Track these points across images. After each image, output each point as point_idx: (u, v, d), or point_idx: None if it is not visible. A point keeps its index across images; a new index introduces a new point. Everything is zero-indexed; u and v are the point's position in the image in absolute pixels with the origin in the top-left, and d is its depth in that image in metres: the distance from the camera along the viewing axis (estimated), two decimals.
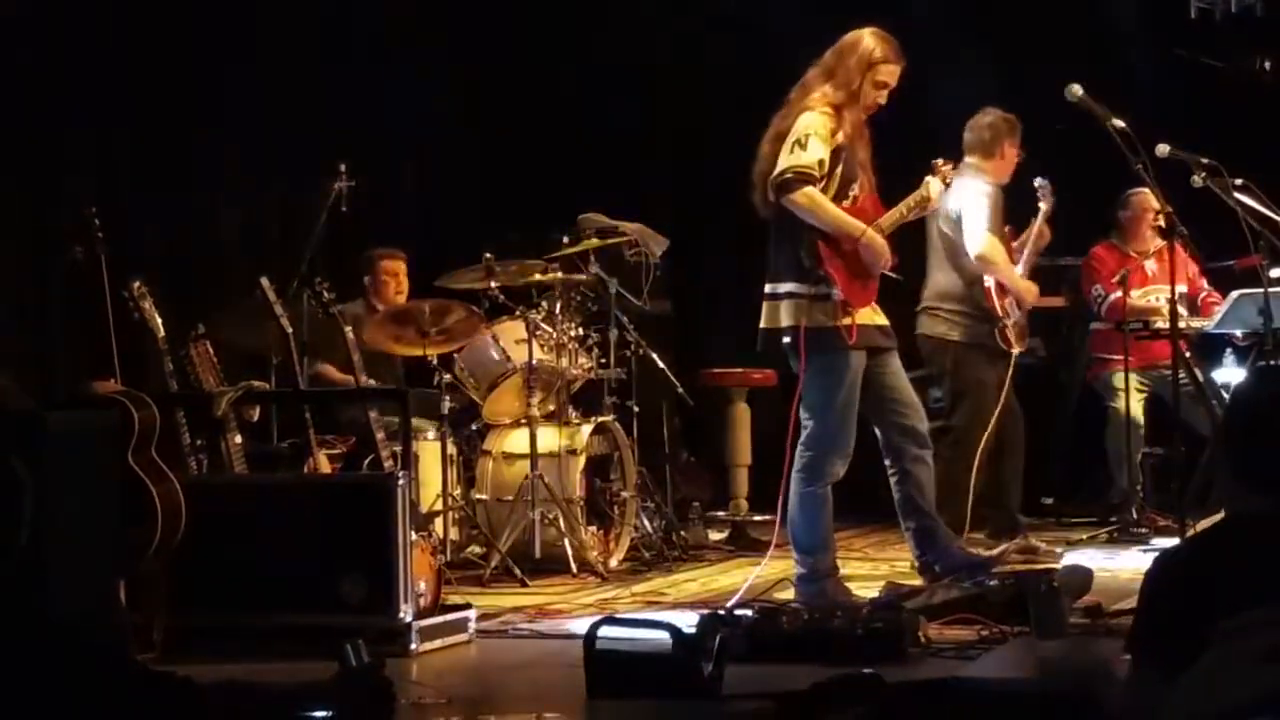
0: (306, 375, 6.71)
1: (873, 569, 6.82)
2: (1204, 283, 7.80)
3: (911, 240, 6.40)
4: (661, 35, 9.75)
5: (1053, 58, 7.98)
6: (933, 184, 5.95)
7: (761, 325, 5.83)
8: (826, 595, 5.63)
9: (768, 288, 5.82)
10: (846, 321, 5.66)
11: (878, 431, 5.96)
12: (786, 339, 5.72)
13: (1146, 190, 7.03)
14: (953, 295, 6.80)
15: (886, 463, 5.96)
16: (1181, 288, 7.58)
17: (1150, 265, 7.80)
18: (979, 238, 6.74)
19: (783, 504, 5.84)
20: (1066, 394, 8.69)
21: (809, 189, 5.62)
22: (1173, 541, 6.44)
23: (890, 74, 5.80)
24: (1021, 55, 8.65)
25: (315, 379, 6.99)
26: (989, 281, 6.80)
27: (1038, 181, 7.12)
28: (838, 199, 5.71)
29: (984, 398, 6.74)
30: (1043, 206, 7.11)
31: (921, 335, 6.92)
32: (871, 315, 5.81)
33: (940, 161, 5.98)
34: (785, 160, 5.63)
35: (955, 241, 6.83)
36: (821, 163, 5.64)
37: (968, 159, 6.91)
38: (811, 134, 5.63)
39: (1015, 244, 7.08)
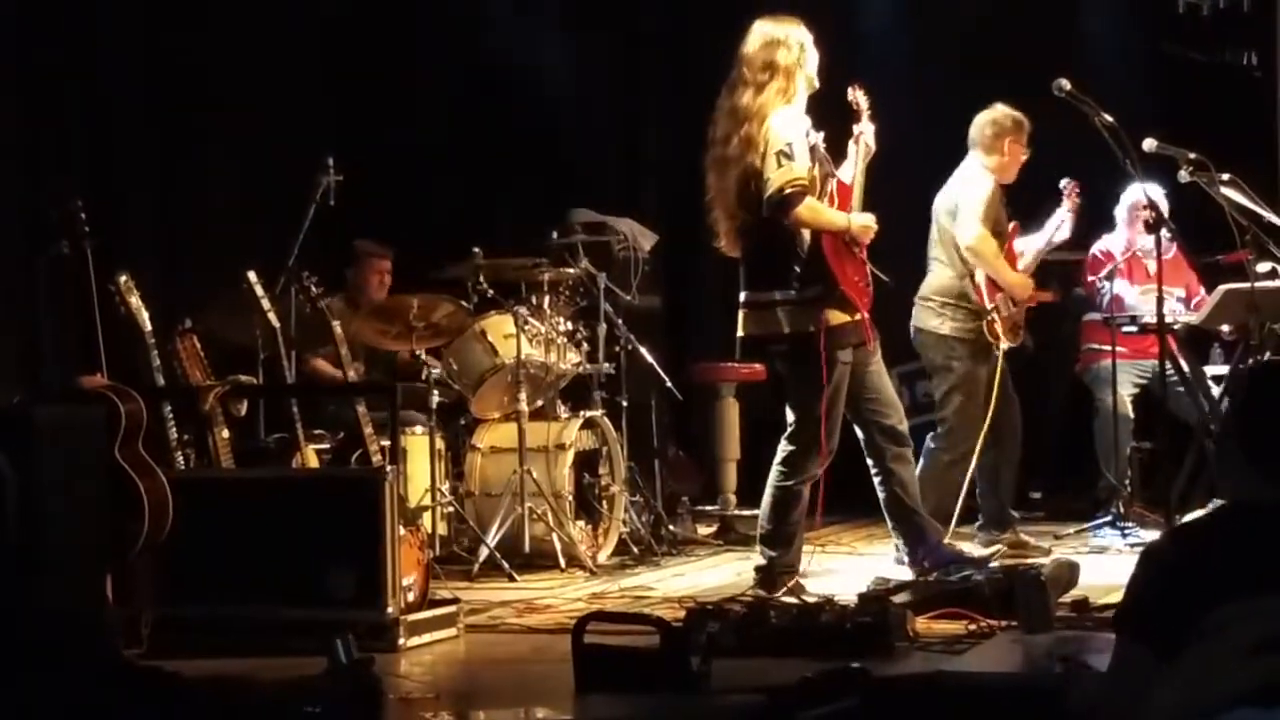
0: (296, 370, 6.69)
1: (860, 563, 6.82)
2: (1201, 289, 7.78)
3: (897, 238, 6.39)
4: (656, 32, 9.74)
5: (1041, 53, 7.97)
6: (864, 131, 5.87)
7: (744, 333, 5.81)
8: (780, 590, 5.66)
9: (750, 295, 5.78)
10: (858, 318, 5.69)
11: (858, 431, 5.97)
12: (783, 346, 5.71)
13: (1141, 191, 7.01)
14: (947, 289, 6.78)
15: (869, 462, 5.98)
16: (1180, 291, 7.61)
17: (1152, 263, 7.78)
18: (971, 230, 6.71)
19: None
20: (1055, 388, 8.69)
21: (809, 200, 5.59)
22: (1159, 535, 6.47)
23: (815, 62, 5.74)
24: (1011, 52, 8.64)
25: (307, 373, 6.97)
26: (979, 276, 6.78)
27: (1063, 182, 7.12)
28: (821, 196, 5.70)
29: (977, 392, 6.74)
30: (1065, 205, 7.10)
31: (915, 328, 6.90)
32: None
33: (850, 94, 5.91)
34: (778, 176, 5.55)
35: (953, 234, 6.80)
36: (808, 170, 5.61)
37: (971, 153, 6.89)
38: (792, 141, 5.55)
39: (1020, 240, 7.04)
